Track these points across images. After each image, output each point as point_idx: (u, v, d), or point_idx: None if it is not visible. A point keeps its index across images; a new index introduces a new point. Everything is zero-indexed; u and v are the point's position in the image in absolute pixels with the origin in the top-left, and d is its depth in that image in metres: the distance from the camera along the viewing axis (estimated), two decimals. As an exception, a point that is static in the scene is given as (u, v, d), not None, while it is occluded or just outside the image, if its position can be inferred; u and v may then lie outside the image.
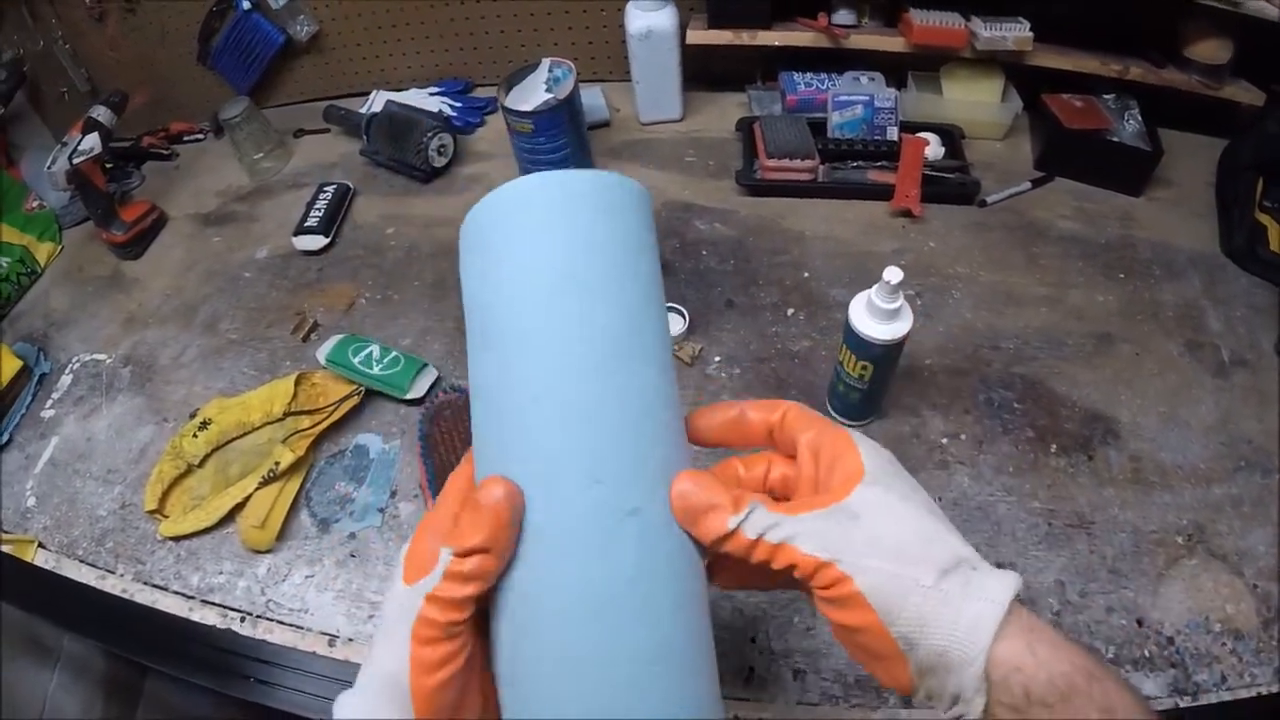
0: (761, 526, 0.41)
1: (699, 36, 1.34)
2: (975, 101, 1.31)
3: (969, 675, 0.37)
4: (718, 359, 1.06)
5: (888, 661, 0.40)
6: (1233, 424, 0.95)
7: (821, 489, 0.44)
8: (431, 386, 1.06)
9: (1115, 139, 1.24)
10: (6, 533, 1.02)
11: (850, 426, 0.95)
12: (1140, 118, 1.25)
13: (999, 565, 0.82)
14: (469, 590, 0.39)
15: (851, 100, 1.29)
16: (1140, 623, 0.80)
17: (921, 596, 0.38)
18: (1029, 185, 1.25)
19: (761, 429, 0.49)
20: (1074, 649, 0.38)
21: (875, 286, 0.81)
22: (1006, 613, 0.38)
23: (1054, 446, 0.94)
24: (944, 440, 0.95)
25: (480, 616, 0.42)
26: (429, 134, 1.35)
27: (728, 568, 0.48)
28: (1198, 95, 1.23)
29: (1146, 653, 0.78)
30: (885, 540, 0.40)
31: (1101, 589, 0.82)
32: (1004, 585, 0.39)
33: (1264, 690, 0.75)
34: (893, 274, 0.78)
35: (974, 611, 0.38)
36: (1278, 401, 0.97)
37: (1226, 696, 0.75)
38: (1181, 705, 0.75)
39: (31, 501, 1.05)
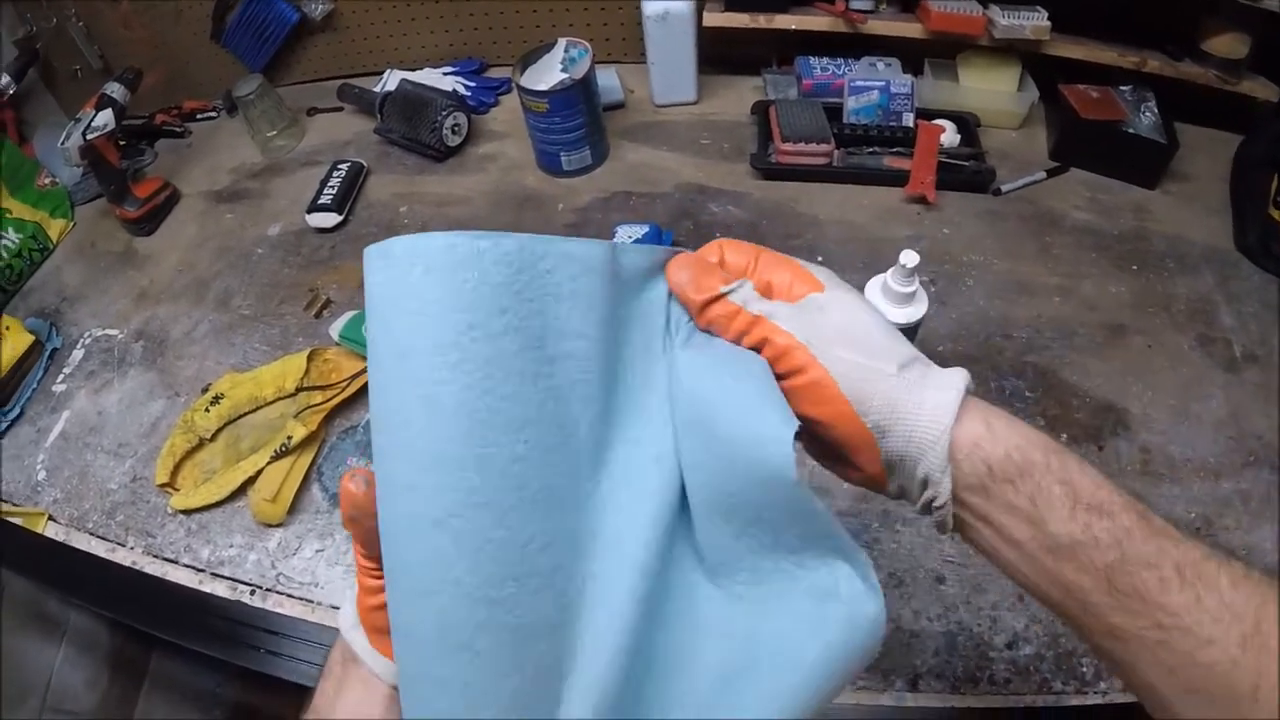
0: (744, 298, 0.43)
1: (716, 19, 1.34)
2: (991, 90, 1.30)
3: (935, 455, 0.40)
4: (730, 343, 1.06)
5: (862, 453, 0.42)
6: (1243, 419, 0.95)
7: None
8: (443, 364, 1.06)
9: (1131, 130, 1.23)
10: (17, 506, 1.03)
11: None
12: (1156, 110, 1.24)
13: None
14: None
15: (868, 86, 1.29)
16: (1148, 614, 0.80)
17: (888, 385, 0.40)
18: (1044, 175, 1.25)
19: (736, 272, 0.48)
20: (1030, 428, 0.41)
21: (891, 270, 0.81)
22: (962, 398, 0.40)
23: (1064, 436, 0.94)
24: (955, 427, 0.95)
25: None
26: (443, 113, 1.35)
27: None
28: (1214, 89, 1.23)
29: (1154, 644, 0.78)
30: (851, 331, 0.42)
31: (1111, 578, 0.82)
32: (957, 375, 0.42)
33: (1272, 688, 0.75)
34: (909, 257, 0.78)
35: (934, 397, 0.40)
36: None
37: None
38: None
39: (42, 475, 1.06)
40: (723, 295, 0.43)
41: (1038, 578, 0.41)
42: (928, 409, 0.40)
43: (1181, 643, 0.38)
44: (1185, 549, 0.39)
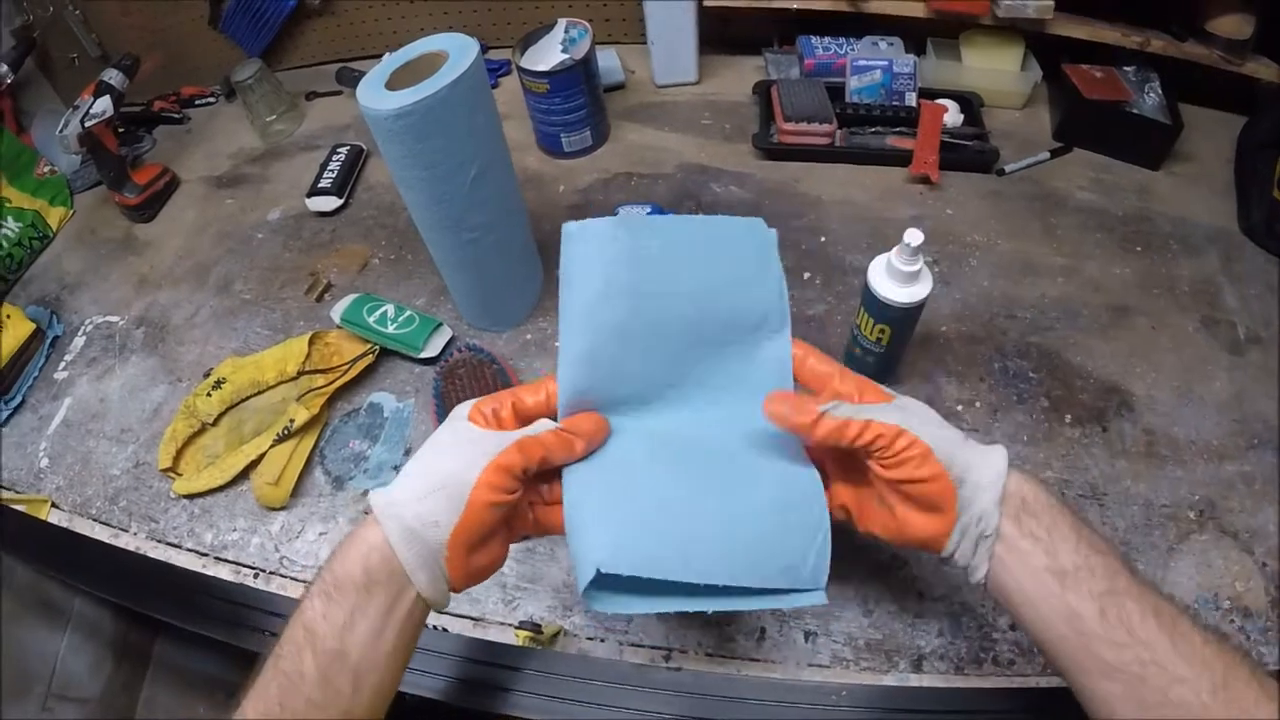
0: (848, 412, 0.56)
1: (717, -1, 1.33)
2: (995, 69, 1.30)
3: (992, 495, 0.53)
4: (733, 324, 1.06)
5: (945, 498, 0.54)
6: (1247, 402, 0.94)
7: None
8: (446, 346, 1.06)
9: (1135, 111, 1.22)
10: (20, 493, 1.02)
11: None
12: (1160, 91, 1.23)
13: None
14: (536, 455, 0.55)
15: (870, 65, 1.28)
16: (1150, 596, 0.79)
17: (964, 450, 0.55)
18: (1047, 155, 1.24)
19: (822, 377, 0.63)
20: (1060, 498, 0.55)
21: (895, 249, 0.80)
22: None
23: (1068, 417, 0.94)
24: (959, 407, 0.95)
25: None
26: (443, 96, 1.34)
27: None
28: (1219, 70, 1.22)
29: (1157, 625, 0.78)
30: (928, 421, 0.56)
31: (1114, 560, 0.82)
32: (1000, 447, 0.56)
33: (1271, 669, 0.75)
34: (913, 236, 0.78)
35: (994, 456, 0.55)
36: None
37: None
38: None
39: (45, 462, 1.06)
40: (825, 414, 0.56)
41: (1047, 606, 0.51)
42: (991, 463, 0.54)
43: (1157, 678, 0.46)
44: (1164, 600, 0.49)
